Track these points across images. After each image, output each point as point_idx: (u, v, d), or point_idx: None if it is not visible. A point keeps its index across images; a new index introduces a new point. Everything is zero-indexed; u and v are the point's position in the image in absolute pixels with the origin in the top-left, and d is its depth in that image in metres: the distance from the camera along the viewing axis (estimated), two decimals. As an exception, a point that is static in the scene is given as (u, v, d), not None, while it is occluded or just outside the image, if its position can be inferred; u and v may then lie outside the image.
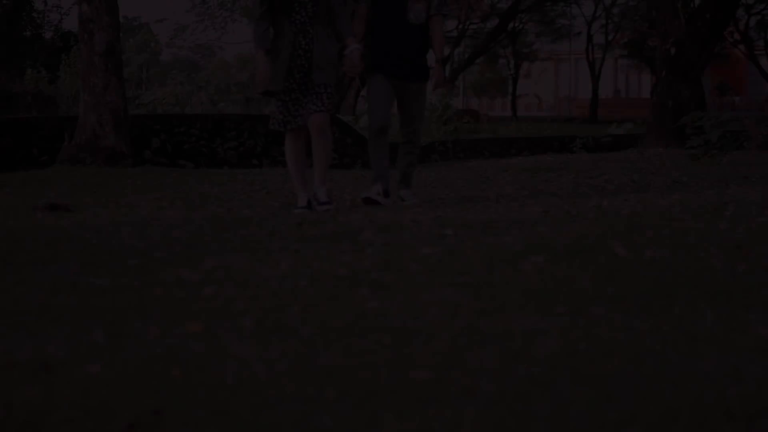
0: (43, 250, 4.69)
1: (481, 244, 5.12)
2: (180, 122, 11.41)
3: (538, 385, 2.60)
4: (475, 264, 4.46)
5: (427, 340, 3.04)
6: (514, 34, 37.06)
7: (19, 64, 12.92)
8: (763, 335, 3.00)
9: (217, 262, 4.49)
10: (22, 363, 2.76)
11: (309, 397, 2.50)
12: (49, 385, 2.58)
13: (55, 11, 20.38)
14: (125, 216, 6.14)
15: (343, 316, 3.39)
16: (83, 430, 2.27)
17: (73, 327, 3.22)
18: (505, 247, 4.88)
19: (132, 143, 10.02)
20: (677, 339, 3.01)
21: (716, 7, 14.61)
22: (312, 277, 4.19)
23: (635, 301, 3.56)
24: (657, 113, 15.49)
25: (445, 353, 2.88)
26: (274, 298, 3.76)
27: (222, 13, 32.22)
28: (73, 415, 2.35)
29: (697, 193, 7.45)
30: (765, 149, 13.81)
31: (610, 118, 34.85)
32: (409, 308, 3.51)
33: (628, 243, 4.88)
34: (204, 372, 2.71)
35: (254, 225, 5.79)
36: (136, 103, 15.00)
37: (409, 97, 7.50)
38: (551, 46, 40.96)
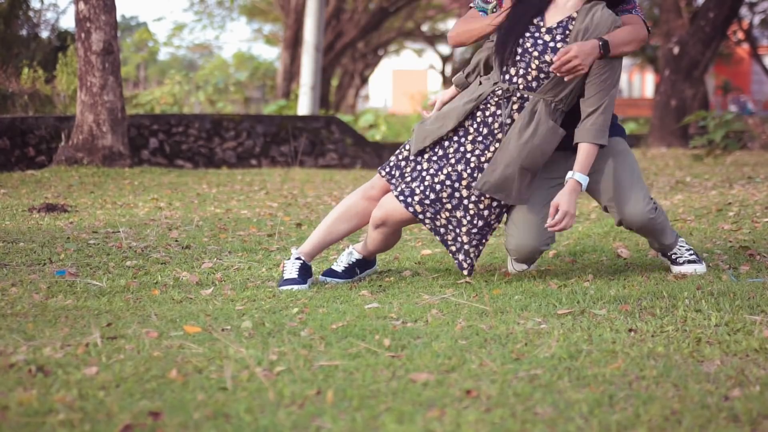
0: (40, 251, 4.68)
1: (482, 244, 5.10)
2: (178, 122, 11.38)
3: (540, 386, 2.58)
4: (476, 265, 4.44)
5: (428, 342, 3.02)
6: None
7: (15, 64, 12.88)
8: (767, 337, 2.98)
9: (215, 264, 4.48)
10: (19, 365, 2.75)
11: (309, 399, 2.48)
12: (45, 387, 2.57)
13: (51, 10, 20.40)
14: (123, 217, 6.11)
15: (342, 317, 3.38)
16: (80, 433, 2.25)
17: (70, 329, 3.20)
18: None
19: (130, 143, 9.99)
20: (680, 341, 3.00)
21: (720, 5, 14.55)
22: (311, 278, 4.17)
23: (638, 302, 3.54)
24: (660, 113, 15.44)
25: (446, 355, 2.87)
26: (273, 300, 3.74)
27: (220, 12, 32.24)
28: (70, 417, 2.33)
29: (700, 193, 7.42)
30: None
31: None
32: (409, 309, 3.50)
33: (630, 244, 4.87)
34: (202, 374, 2.70)
35: (253, 226, 5.77)
36: (133, 102, 14.96)
37: (602, 173, 3.98)
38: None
